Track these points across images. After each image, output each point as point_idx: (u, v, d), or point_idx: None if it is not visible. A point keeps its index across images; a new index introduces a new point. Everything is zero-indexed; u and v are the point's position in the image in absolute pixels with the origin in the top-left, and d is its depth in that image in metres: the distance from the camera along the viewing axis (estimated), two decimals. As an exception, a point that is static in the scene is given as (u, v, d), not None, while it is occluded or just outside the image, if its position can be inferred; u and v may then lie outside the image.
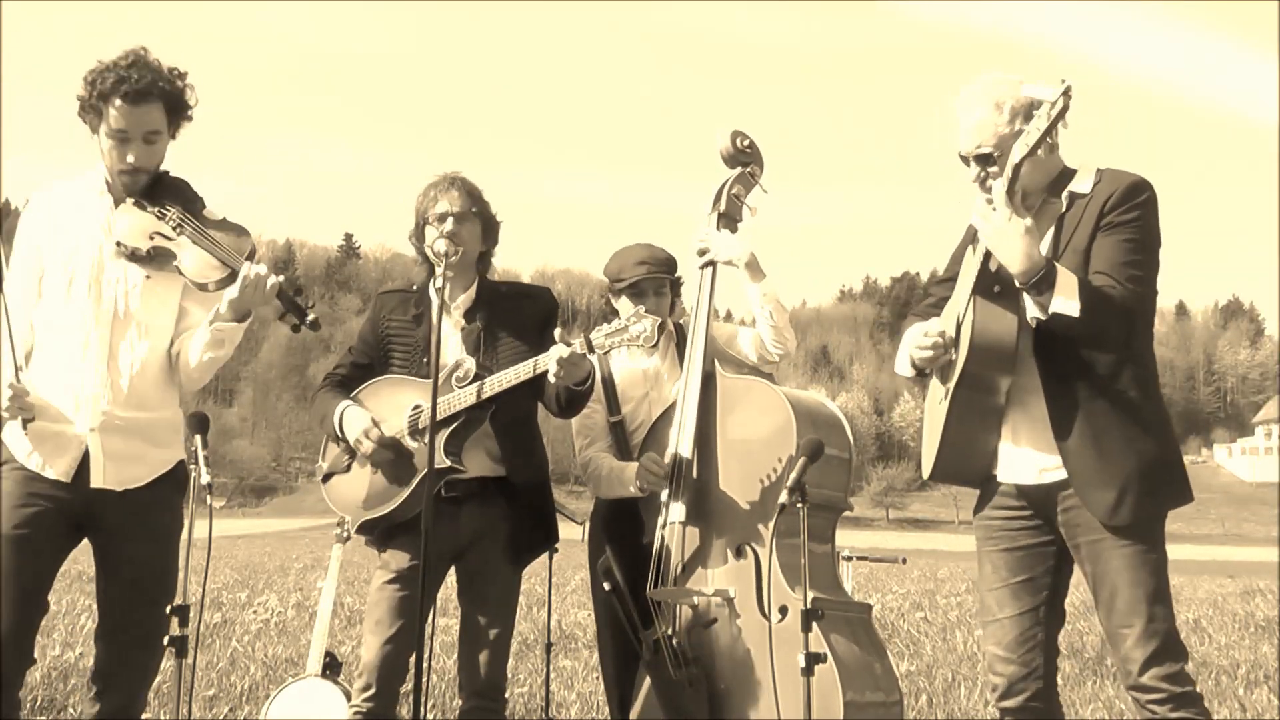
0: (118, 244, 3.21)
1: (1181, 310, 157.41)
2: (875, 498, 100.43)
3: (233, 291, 3.21)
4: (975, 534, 3.22)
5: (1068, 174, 3.06)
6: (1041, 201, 3.03)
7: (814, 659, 3.05)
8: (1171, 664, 2.86)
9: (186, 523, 3.29)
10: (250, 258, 3.24)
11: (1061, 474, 2.96)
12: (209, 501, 3.25)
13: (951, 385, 3.01)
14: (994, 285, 2.94)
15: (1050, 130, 2.71)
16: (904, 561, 7.71)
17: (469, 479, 3.56)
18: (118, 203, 3.26)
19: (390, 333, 3.75)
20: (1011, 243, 2.80)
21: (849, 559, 5.44)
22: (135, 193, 3.25)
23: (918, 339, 3.12)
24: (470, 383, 3.51)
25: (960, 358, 2.97)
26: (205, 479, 3.24)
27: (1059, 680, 3.17)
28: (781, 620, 3.35)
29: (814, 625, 3.15)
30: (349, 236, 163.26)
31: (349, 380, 3.78)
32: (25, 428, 3.06)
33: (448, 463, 3.49)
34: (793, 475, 3.14)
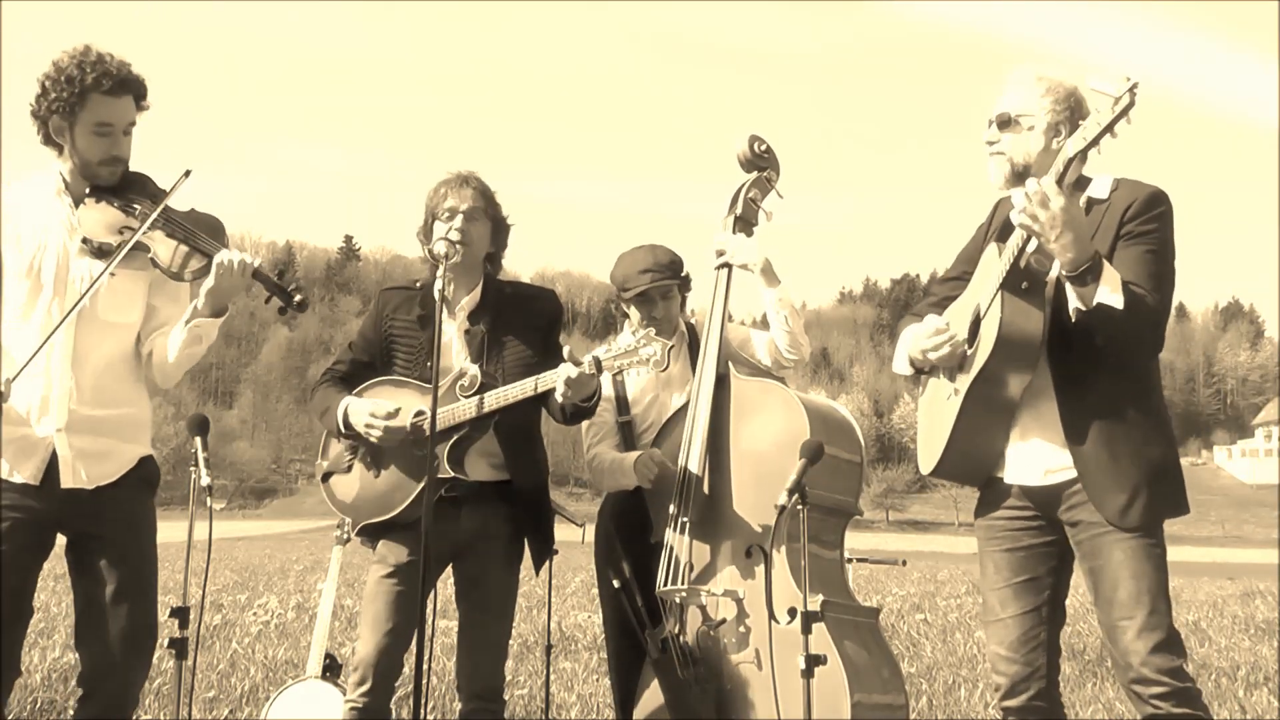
0: (84, 241, 3.17)
1: (1181, 312, 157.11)
2: (875, 499, 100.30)
3: (209, 282, 3.19)
4: (977, 534, 3.22)
5: (1083, 180, 3.06)
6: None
7: (814, 661, 3.06)
8: (1174, 658, 2.86)
9: (187, 524, 3.29)
10: (225, 245, 3.23)
11: (1066, 475, 2.97)
12: (209, 503, 3.24)
13: (969, 380, 3.00)
14: (1022, 282, 2.93)
15: (1111, 127, 2.68)
16: (904, 563, 7.70)
17: (469, 481, 3.55)
18: (77, 201, 3.23)
19: (394, 332, 3.73)
20: (1064, 231, 2.77)
21: (849, 561, 5.44)
22: (98, 189, 3.22)
23: (922, 339, 3.11)
24: (475, 392, 3.50)
25: (982, 353, 2.96)
26: (205, 481, 3.22)
27: (1059, 682, 3.17)
28: (789, 622, 3.35)
29: (823, 628, 3.16)
30: (349, 238, 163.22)
31: (349, 377, 3.75)
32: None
33: (451, 474, 3.49)
34: (792, 477, 3.15)
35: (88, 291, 3.10)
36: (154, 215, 3.18)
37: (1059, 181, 2.80)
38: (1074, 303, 2.87)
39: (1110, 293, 2.78)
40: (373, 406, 3.54)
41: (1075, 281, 2.82)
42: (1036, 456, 3.02)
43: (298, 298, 3.29)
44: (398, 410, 3.53)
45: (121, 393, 3.24)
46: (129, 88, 3.17)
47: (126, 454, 3.22)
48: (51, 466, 3.12)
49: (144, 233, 3.17)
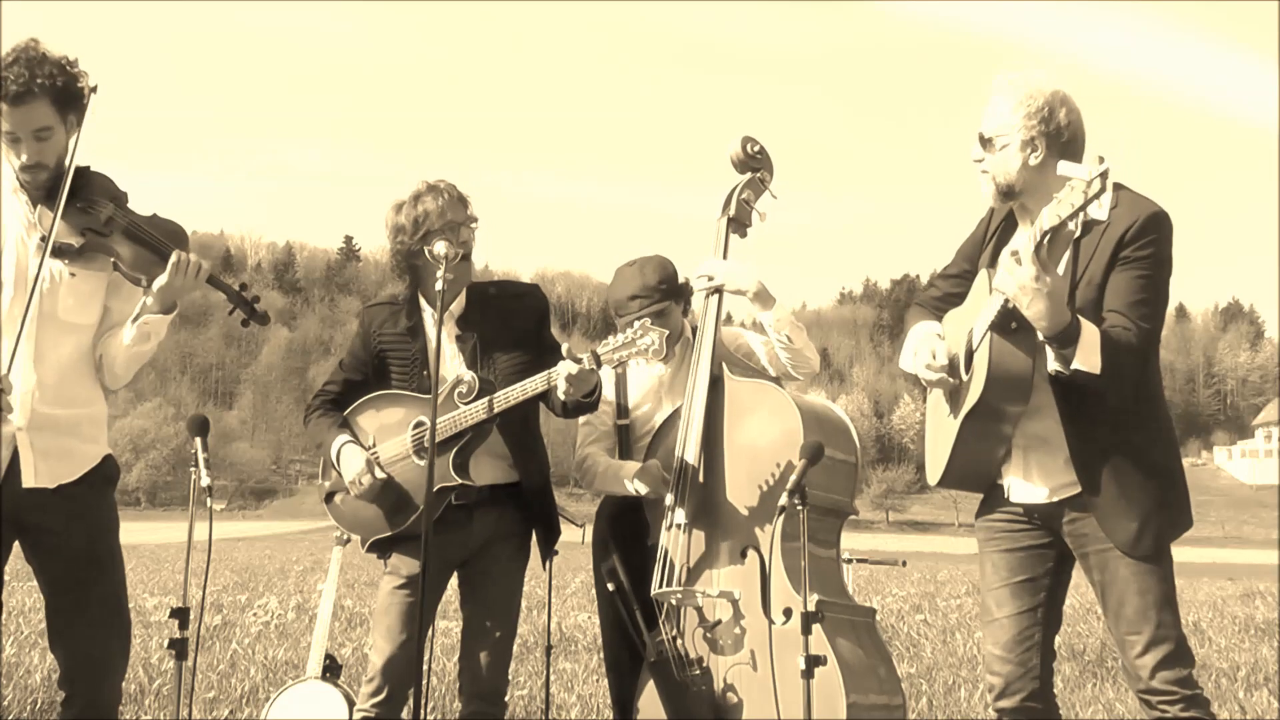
0: (43, 239, 3.12)
1: (1181, 313, 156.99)
2: (875, 500, 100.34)
3: (162, 279, 3.17)
4: (977, 535, 3.23)
5: None
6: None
7: (814, 661, 3.06)
8: (1180, 669, 2.90)
9: (187, 525, 3.29)
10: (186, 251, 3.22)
11: (1069, 492, 2.99)
12: (209, 504, 3.24)
13: (963, 414, 3.02)
14: (1011, 323, 2.92)
15: (1082, 209, 2.60)
16: (904, 564, 7.70)
17: (478, 486, 3.56)
18: (34, 200, 3.18)
19: (384, 347, 3.72)
20: (1037, 301, 2.75)
21: (849, 561, 5.44)
22: (45, 189, 3.16)
23: (918, 364, 3.13)
24: (474, 398, 3.50)
25: (975, 391, 2.97)
26: (205, 481, 3.23)
27: (1059, 682, 3.18)
28: (785, 623, 3.36)
29: (819, 628, 3.16)
30: (349, 239, 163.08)
31: (342, 398, 3.77)
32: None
33: (458, 480, 3.49)
34: (792, 477, 3.15)
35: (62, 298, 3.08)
36: (66, 190, 3.09)
37: (1035, 250, 2.74)
38: (1052, 364, 2.85)
39: (1086, 358, 2.77)
40: (361, 468, 3.56)
41: (1052, 344, 2.82)
42: (1039, 487, 3.05)
43: (259, 308, 3.31)
44: (382, 478, 3.56)
45: (81, 393, 3.22)
46: (31, 94, 3.05)
47: (88, 453, 3.21)
48: (13, 465, 3.09)
49: (106, 236, 3.13)
